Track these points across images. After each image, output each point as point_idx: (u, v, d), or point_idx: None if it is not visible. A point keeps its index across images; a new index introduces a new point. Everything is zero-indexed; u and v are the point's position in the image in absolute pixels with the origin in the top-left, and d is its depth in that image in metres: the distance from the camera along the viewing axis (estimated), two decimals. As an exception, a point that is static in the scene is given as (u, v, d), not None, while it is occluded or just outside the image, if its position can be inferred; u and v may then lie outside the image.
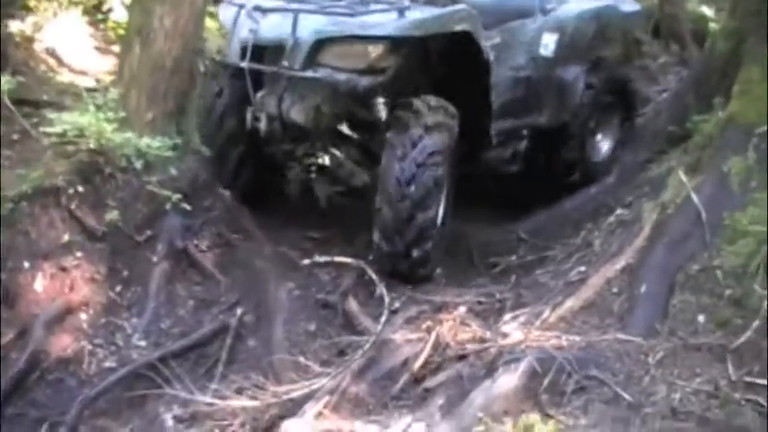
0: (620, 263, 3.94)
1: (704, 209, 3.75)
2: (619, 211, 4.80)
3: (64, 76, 6.35)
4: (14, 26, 6.27)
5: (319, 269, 4.94)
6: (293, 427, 3.37)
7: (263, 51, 4.77)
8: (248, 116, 5.05)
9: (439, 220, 4.82)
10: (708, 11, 10.33)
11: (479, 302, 4.49)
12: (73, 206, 4.62)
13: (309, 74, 4.60)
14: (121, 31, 6.69)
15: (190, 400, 3.88)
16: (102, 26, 7.34)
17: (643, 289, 3.68)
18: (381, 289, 4.48)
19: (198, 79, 5.54)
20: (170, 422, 3.79)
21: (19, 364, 4.04)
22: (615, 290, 3.83)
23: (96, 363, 4.28)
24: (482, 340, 3.71)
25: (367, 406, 3.58)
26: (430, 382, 3.59)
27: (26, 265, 4.34)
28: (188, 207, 5.03)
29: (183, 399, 3.92)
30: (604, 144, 6.27)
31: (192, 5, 5.57)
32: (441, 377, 3.58)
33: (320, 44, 4.56)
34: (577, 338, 3.49)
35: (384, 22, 4.53)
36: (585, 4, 6.11)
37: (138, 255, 4.81)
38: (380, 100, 4.78)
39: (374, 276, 4.60)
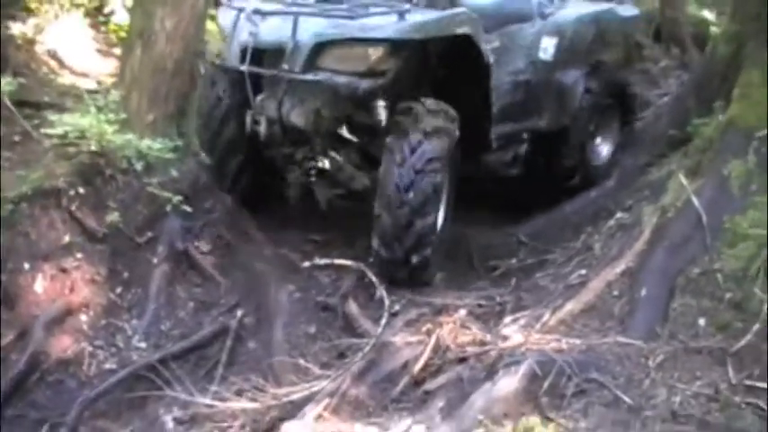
0: (621, 266, 3.94)
1: (704, 212, 3.75)
2: (619, 215, 4.80)
3: (65, 78, 6.36)
4: (16, 28, 6.29)
5: (319, 271, 4.94)
6: (293, 429, 3.37)
7: (262, 55, 4.76)
8: (248, 120, 5.04)
9: (439, 226, 4.82)
10: (709, 15, 10.35)
11: (480, 305, 4.49)
12: (73, 207, 4.63)
13: (309, 77, 4.58)
14: (123, 34, 6.71)
15: (190, 402, 3.88)
16: (103, 28, 7.35)
17: (643, 292, 3.68)
18: (381, 291, 4.47)
19: (198, 82, 5.55)
20: (170, 424, 3.79)
21: (19, 365, 4.04)
22: (615, 293, 3.83)
23: (96, 364, 4.28)
24: (482, 343, 3.71)
25: (367, 408, 3.58)
26: (430, 385, 3.58)
27: (26, 266, 4.35)
28: (188, 209, 5.04)
29: (183, 400, 3.92)
30: (604, 148, 6.28)
31: (193, 8, 5.58)
32: (441, 380, 3.58)
33: (320, 47, 4.55)
34: (578, 341, 3.48)
35: (384, 24, 4.52)
36: (584, 9, 6.12)
37: (138, 256, 4.81)
38: (381, 103, 4.77)
39: (374, 279, 4.60)
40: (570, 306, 3.87)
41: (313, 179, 5.37)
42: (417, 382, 3.64)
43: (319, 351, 4.31)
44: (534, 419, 3.04)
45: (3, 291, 4.23)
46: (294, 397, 3.68)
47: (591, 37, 6.02)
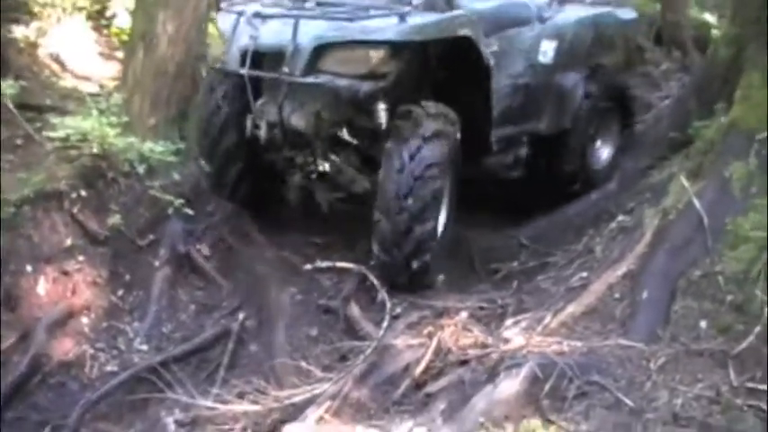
0: (622, 269, 3.93)
1: (706, 214, 3.75)
2: (620, 218, 4.80)
3: (67, 82, 6.38)
4: (19, 31, 6.31)
5: (321, 274, 4.94)
6: (295, 431, 3.37)
7: (262, 58, 4.74)
8: (248, 124, 5.01)
9: (440, 229, 4.81)
10: (710, 18, 10.34)
11: (481, 308, 4.48)
12: (75, 210, 4.64)
13: (310, 80, 4.56)
14: (125, 37, 6.72)
15: (191, 405, 3.89)
16: (105, 32, 7.37)
17: (645, 295, 3.67)
18: (383, 294, 4.47)
19: (200, 85, 5.55)
20: (171, 426, 3.79)
21: (21, 367, 4.05)
22: (617, 295, 3.83)
23: (98, 366, 4.29)
24: (484, 346, 3.70)
25: (368, 411, 3.57)
26: (431, 388, 3.58)
27: (28, 268, 4.36)
28: (190, 212, 5.05)
29: (185, 403, 3.93)
30: (604, 151, 6.28)
31: (195, 11, 5.61)
32: (442, 382, 3.57)
33: (321, 50, 4.53)
34: (579, 344, 3.48)
35: (385, 27, 4.51)
36: (583, 12, 6.13)
37: (140, 259, 4.82)
38: (381, 106, 4.76)
39: (376, 282, 4.59)
40: (571, 308, 3.87)
41: (314, 182, 5.36)
42: (419, 385, 3.63)
43: (321, 354, 4.31)
44: (535, 422, 3.04)
45: (5, 293, 4.24)
46: (296, 399, 3.68)
47: (590, 40, 6.03)
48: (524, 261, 5.26)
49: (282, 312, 4.61)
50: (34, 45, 6.43)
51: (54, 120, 5.06)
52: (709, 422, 3.03)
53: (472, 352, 3.66)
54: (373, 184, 4.86)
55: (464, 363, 3.62)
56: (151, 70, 5.52)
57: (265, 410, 3.68)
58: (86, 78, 6.60)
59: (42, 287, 4.36)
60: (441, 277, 4.91)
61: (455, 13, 4.85)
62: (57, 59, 6.60)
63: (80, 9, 7.12)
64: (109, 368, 4.29)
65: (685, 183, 3.99)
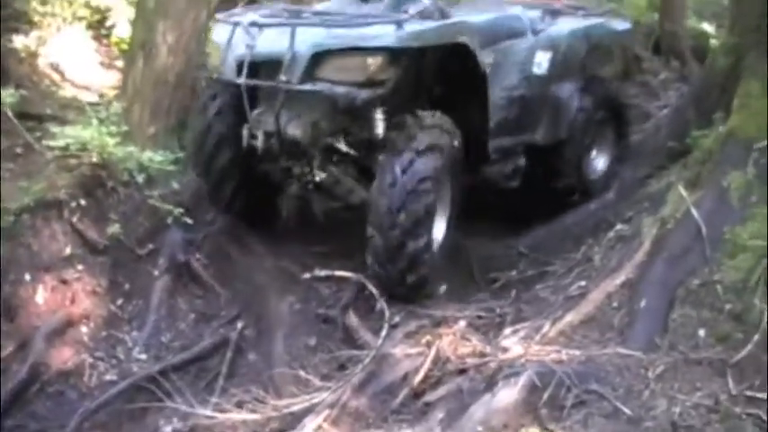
0: (621, 278, 3.94)
1: (704, 224, 3.75)
2: (619, 227, 4.80)
3: (67, 91, 6.39)
4: (19, 41, 6.32)
5: (320, 283, 4.94)
6: (293, 440, 3.37)
7: (258, 68, 4.72)
8: (244, 133, 4.99)
9: (440, 240, 4.80)
10: (708, 27, 10.38)
11: (479, 317, 4.48)
12: (75, 219, 4.65)
13: (308, 87, 4.55)
14: (125, 47, 6.73)
15: (190, 414, 3.89)
16: (105, 41, 7.38)
17: (643, 303, 3.68)
18: (381, 303, 4.47)
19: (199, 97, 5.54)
20: (170, 435, 3.80)
21: (19, 376, 4.05)
22: (615, 304, 3.83)
23: (97, 375, 4.28)
24: (482, 354, 3.71)
25: (367, 420, 3.58)
26: (430, 396, 3.58)
27: (27, 277, 4.36)
28: (189, 221, 5.05)
29: (184, 412, 3.92)
30: (600, 161, 6.29)
31: (195, 21, 5.63)
32: (441, 391, 3.58)
33: (318, 57, 4.51)
34: (577, 353, 3.48)
35: (383, 33, 4.51)
36: (576, 24, 6.16)
37: (139, 268, 4.82)
38: (379, 115, 4.76)
39: (374, 291, 4.59)
40: (570, 317, 3.87)
41: (311, 192, 5.35)
42: (417, 394, 3.64)
43: (319, 363, 4.31)
44: (534, 430, 3.04)
45: (4, 302, 4.24)
46: (294, 408, 3.69)
47: (584, 51, 6.05)
48: (523, 270, 5.26)
49: (281, 321, 4.60)
50: (34, 54, 6.44)
51: (54, 129, 5.06)
52: (708, 431, 3.03)
53: (470, 361, 3.66)
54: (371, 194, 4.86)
55: (462, 372, 3.62)
56: (151, 80, 5.53)
57: (264, 419, 3.68)
58: (86, 88, 6.61)
59: (41, 296, 4.37)
60: (443, 287, 4.90)
61: (451, 20, 4.87)
62: (57, 69, 6.62)
63: (80, 19, 7.14)
64: (108, 377, 4.29)
65: (683, 192, 4.00)
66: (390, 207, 4.44)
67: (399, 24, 4.51)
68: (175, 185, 5.16)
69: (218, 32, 5.03)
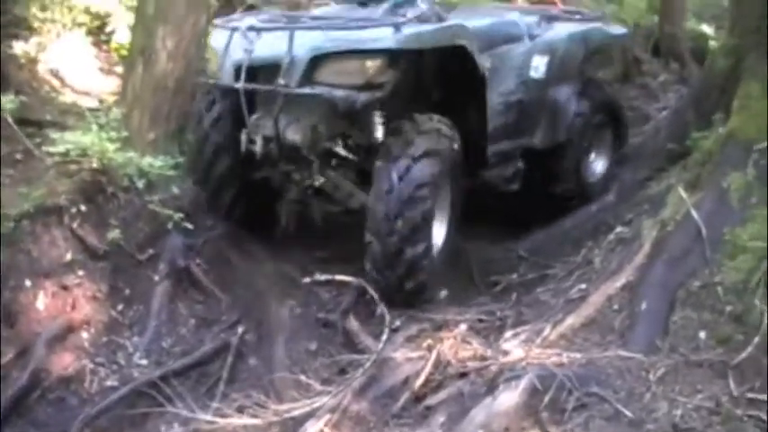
0: (621, 280, 3.94)
1: (704, 225, 3.75)
2: (619, 229, 4.80)
3: (67, 97, 6.39)
4: (18, 47, 6.33)
5: (320, 287, 4.94)
6: (294, 445, 3.37)
7: (257, 72, 4.72)
8: (243, 139, 4.98)
9: (440, 245, 4.79)
10: (707, 29, 10.40)
11: (480, 320, 4.49)
12: (75, 225, 4.64)
13: (307, 90, 4.55)
14: (124, 52, 6.74)
15: (191, 419, 3.88)
16: (105, 47, 7.39)
17: (644, 306, 3.68)
18: (382, 307, 4.47)
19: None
20: (171, 441, 3.79)
21: (20, 382, 4.03)
22: (616, 307, 3.83)
23: (98, 381, 4.27)
24: (483, 358, 3.71)
25: (368, 424, 3.58)
26: (431, 400, 3.58)
27: (28, 283, 4.35)
28: (190, 226, 5.04)
29: (185, 417, 3.91)
30: (598, 163, 6.31)
31: (194, 27, 5.63)
32: (442, 395, 3.57)
33: (317, 60, 4.51)
34: (578, 355, 3.48)
35: (381, 36, 4.51)
36: (573, 28, 6.18)
37: (139, 273, 4.82)
38: (378, 119, 4.76)
39: (375, 295, 4.59)
40: (570, 320, 3.87)
41: (310, 197, 5.35)
42: (418, 398, 3.64)
43: (320, 367, 4.31)
44: (535, 434, 3.04)
45: (4, 308, 4.23)
46: (295, 413, 3.68)
47: (582, 55, 6.08)
48: (523, 273, 5.26)
49: (282, 326, 4.60)
50: (34, 60, 6.45)
51: (54, 135, 5.06)
52: (709, 433, 3.03)
53: (471, 364, 3.66)
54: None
55: (463, 375, 3.62)
56: (150, 85, 5.53)
57: (265, 424, 3.68)
58: (86, 93, 6.62)
59: (42, 302, 4.36)
60: (444, 292, 4.90)
61: (449, 23, 4.88)
62: (56, 75, 6.62)
63: (80, 24, 7.15)
64: (108, 383, 4.28)
65: (683, 194, 4.00)
66: (387, 214, 4.44)
67: (397, 27, 4.51)
68: (175, 191, 5.15)
69: (217, 38, 5.03)
